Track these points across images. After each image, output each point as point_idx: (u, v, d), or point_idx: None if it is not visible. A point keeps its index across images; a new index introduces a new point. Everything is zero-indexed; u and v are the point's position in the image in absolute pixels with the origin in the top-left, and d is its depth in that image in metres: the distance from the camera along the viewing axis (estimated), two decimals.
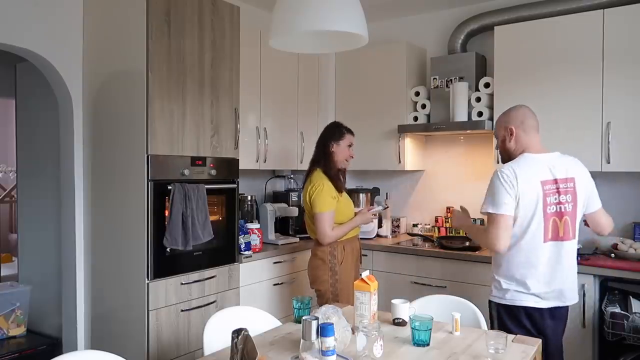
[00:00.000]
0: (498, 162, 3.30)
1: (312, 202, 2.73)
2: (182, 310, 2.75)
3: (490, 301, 2.25)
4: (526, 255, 2.12)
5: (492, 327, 2.23)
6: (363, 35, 1.85)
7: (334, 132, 2.88)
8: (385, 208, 3.14)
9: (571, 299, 2.19)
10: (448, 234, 3.79)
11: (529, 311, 2.14)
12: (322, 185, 2.73)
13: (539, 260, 2.12)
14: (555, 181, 2.12)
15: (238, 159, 3.10)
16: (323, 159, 2.84)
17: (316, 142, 2.94)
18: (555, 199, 2.11)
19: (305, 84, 3.93)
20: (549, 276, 2.13)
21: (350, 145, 2.91)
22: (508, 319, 2.18)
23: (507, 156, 2.29)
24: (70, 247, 2.97)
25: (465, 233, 2.72)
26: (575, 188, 2.14)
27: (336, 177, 2.82)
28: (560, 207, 2.12)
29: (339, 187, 2.81)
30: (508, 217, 2.08)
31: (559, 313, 2.19)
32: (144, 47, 2.58)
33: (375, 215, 3.01)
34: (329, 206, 2.71)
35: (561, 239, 2.12)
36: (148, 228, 2.60)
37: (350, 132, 2.92)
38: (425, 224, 3.97)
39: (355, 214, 2.90)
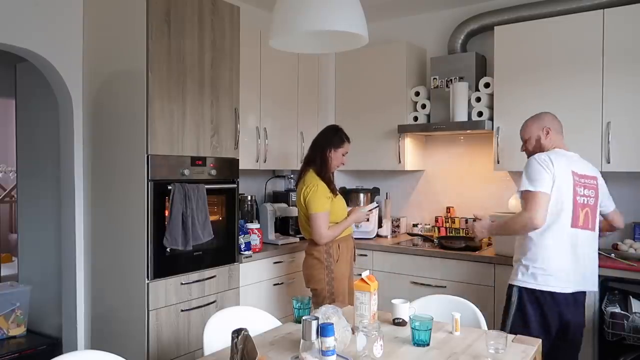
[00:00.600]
0: (498, 162, 3.32)
1: (307, 203, 2.73)
2: (182, 310, 2.75)
3: (511, 285, 2.35)
4: (555, 239, 2.25)
5: (506, 313, 2.33)
6: (363, 35, 1.85)
7: (334, 138, 2.88)
8: (376, 207, 3.14)
9: (592, 285, 2.35)
10: (448, 234, 3.79)
11: (554, 296, 2.25)
12: (316, 186, 2.73)
13: (566, 245, 2.26)
14: (582, 176, 2.33)
15: (238, 159, 3.10)
16: (319, 161, 2.83)
17: (312, 141, 2.93)
18: (582, 191, 2.30)
19: (305, 84, 3.93)
20: (574, 261, 2.27)
21: (345, 154, 2.92)
22: (529, 302, 2.28)
23: (536, 151, 2.47)
24: (70, 247, 2.97)
25: (495, 235, 2.84)
26: (597, 186, 2.38)
27: (329, 180, 2.83)
28: (585, 200, 2.31)
29: (332, 189, 2.81)
30: (545, 194, 2.22)
31: (580, 299, 2.34)
32: (144, 47, 2.58)
33: (369, 213, 3.02)
34: (325, 207, 2.72)
35: (585, 228, 2.30)
36: (148, 228, 2.60)
37: (348, 140, 2.94)
38: (425, 224, 3.97)
39: (349, 213, 2.90)
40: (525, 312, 2.27)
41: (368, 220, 3.29)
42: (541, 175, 2.22)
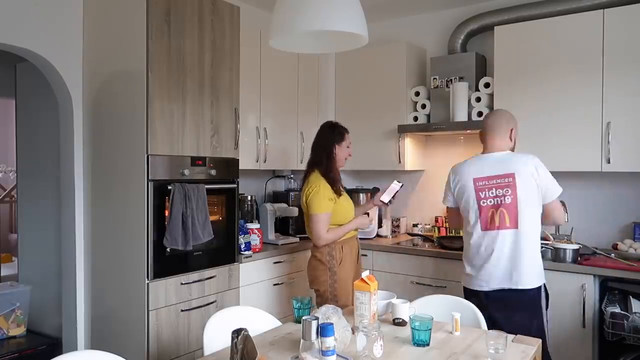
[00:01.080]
0: None
1: (308, 203, 2.73)
2: (182, 310, 2.75)
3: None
4: (470, 242, 2.44)
5: None
6: (363, 35, 1.85)
7: (334, 134, 2.86)
8: (401, 186, 3.06)
9: (522, 283, 2.34)
10: (448, 234, 3.79)
11: (478, 294, 2.41)
12: (318, 187, 2.72)
13: (479, 247, 2.40)
14: (489, 177, 2.40)
15: (238, 159, 3.10)
16: (325, 161, 2.81)
17: (313, 143, 2.90)
18: (488, 193, 2.39)
19: (305, 84, 3.93)
20: (486, 261, 2.38)
21: (349, 145, 2.91)
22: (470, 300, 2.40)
23: None
24: (70, 247, 2.97)
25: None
26: (514, 183, 2.34)
27: (337, 179, 2.81)
28: (495, 200, 2.38)
29: (338, 189, 2.80)
30: (450, 209, 2.63)
31: (512, 300, 2.33)
32: (144, 47, 2.58)
33: (371, 221, 3.02)
34: (325, 208, 2.71)
35: (502, 228, 2.35)
36: (148, 228, 2.60)
37: (347, 131, 2.93)
38: (425, 224, 3.97)
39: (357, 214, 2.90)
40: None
41: (372, 224, 3.29)
42: (445, 191, 2.62)
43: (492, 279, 2.37)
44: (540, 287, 2.37)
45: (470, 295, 2.43)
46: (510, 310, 2.33)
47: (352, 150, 3.00)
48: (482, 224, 2.39)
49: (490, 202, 2.38)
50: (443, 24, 3.90)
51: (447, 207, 2.65)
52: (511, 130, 2.46)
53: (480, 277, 2.40)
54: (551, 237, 3.00)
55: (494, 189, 2.38)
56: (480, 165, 2.44)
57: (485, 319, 2.22)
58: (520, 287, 2.34)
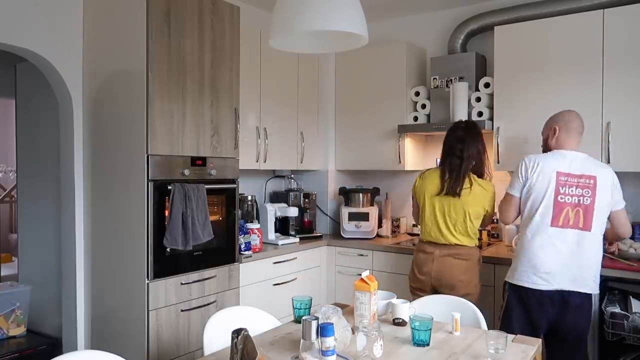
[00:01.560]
0: (498, 162, 3.32)
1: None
2: (182, 310, 2.75)
3: (504, 282, 2.47)
4: (534, 237, 2.33)
5: (501, 308, 2.41)
6: (363, 35, 1.85)
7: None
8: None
9: (584, 286, 2.31)
10: None
11: (535, 293, 2.31)
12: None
13: (546, 243, 2.30)
14: (573, 175, 2.32)
15: (238, 159, 3.10)
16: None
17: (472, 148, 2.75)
18: (568, 190, 2.31)
19: (305, 84, 3.93)
20: (556, 260, 2.29)
21: None
22: (514, 299, 2.36)
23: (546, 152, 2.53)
24: (70, 247, 2.97)
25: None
26: (595, 185, 2.32)
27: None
28: (574, 199, 2.30)
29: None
30: (512, 197, 2.45)
31: (572, 300, 2.30)
32: (144, 47, 2.58)
33: None
34: None
35: (575, 227, 2.29)
36: (148, 228, 2.60)
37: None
38: None
39: None
40: (510, 307, 2.36)
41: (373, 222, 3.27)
42: (513, 179, 2.46)
43: (555, 279, 2.29)
44: (596, 293, 2.38)
45: (518, 291, 2.35)
46: (569, 315, 2.31)
47: (352, 150, 3.01)
48: (554, 219, 2.30)
49: (569, 199, 2.30)
50: (443, 24, 3.90)
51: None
52: (581, 133, 2.47)
53: (540, 275, 2.30)
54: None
55: (574, 187, 2.31)
56: (564, 161, 2.36)
57: (524, 317, 2.27)
58: (585, 290, 2.31)
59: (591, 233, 2.30)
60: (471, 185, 2.68)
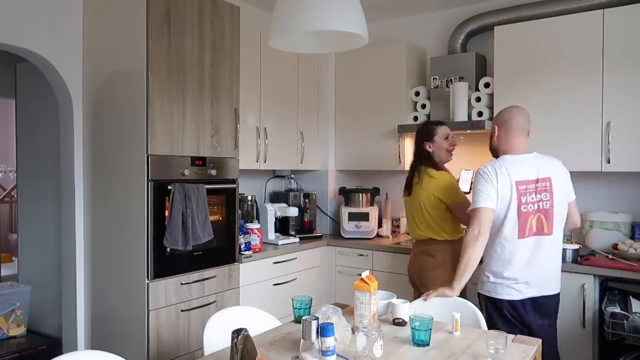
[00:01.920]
0: None
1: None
2: (182, 310, 2.75)
3: (478, 294, 2.41)
4: (502, 250, 2.27)
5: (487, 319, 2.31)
6: (363, 35, 1.85)
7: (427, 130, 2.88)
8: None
9: (553, 288, 2.32)
10: None
11: (512, 303, 2.27)
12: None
13: (515, 255, 2.25)
14: (531, 181, 2.25)
15: (238, 159, 3.10)
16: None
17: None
18: (532, 197, 2.24)
19: (305, 84, 3.93)
20: (525, 269, 2.25)
21: (446, 137, 2.87)
22: (493, 311, 2.32)
23: (493, 154, 2.45)
24: (70, 247, 2.97)
25: (462, 282, 2.40)
26: (551, 187, 2.26)
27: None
28: (536, 206, 2.24)
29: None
30: (491, 210, 2.24)
31: (543, 303, 2.30)
32: (144, 47, 2.58)
33: None
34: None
35: (539, 234, 2.25)
36: (148, 228, 2.60)
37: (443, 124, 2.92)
38: None
39: None
40: (492, 320, 2.29)
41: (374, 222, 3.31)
42: (486, 191, 2.24)
43: (529, 288, 2.26)
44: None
45: (494, 303, 2.30)
46: (541, 317, 2.30)
47: (352, 150, 3.01)
48: (520, 231, 2.23)
49: (531, 207, 2.23)
50: (443, 24, 3.90)
51: (481, 209, 2.25)
52: (526, 130, 2.39)
53: (513, 286, 2.26)
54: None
55: (534, 193, 2.24)
56: (519, 167, 2.26)
57: (508, 326, 2.21)
58: (552, 292, 2.32)
59: (553, 236, 2.27)
60: (421, 179, 2.77)
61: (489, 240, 2.27)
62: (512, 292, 2.27)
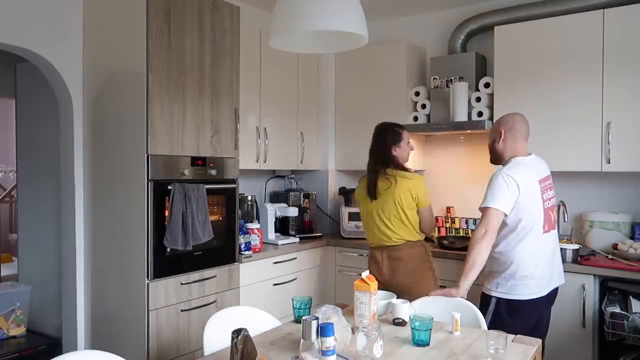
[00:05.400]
0: None
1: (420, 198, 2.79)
2: (182, 310, 2.75)
3: (486, 294, 2.37)
4: (533, 249, 2.30)
5: (487, 320, 2.28)
6: (363, 35, 1.85)
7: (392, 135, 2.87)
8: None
9: (560, 279, 2.45)
10: (448, 234, 3.79)
11: (533, 302, 2.30)
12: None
13: (543, 252, 2.33)
14: (543, 179, 2.38)
15: (238, 159, 3.10)
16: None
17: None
18: (547, 194, 2.37)
19: (305, 84, 3.93)
20: (550, 264, 2.36)
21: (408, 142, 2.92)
22: (507, 312, 2.30)
23: (495, 156, 2.51)
24: (70, 247, 2.97)
25: (470, 280, 2.40)
26: (552, 184, 2.46)
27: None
28: (550, 202, 2.38)
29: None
30: (500, 213, 2.26)
31: (553, 294, 2.42)
32: (144, 47, 2.58)
33: None
34: None
35: (552, 229, 2.40)
36: (148, 228, 2.60)
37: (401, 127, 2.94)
38: None
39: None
40: (500, 321, 2.25)
41: None
42: (501, 194, 2.26)
43: (551, 281, 2.36)
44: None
45: (510, 304, 2.28)
46: (550, 307, 2.46)
47: (352, 150, 3.00)
48: (545, 226, 2.32)
49: (547, 204, 2.35)
50: (443, 24, 3.90)
51: (490, 209, 2.27)
52: (526, 137, 2.48)
53: (539, 283, 2.30)
54: None
55: (548, 190, 2.38)
56: (534, 168, 2.38)
57: (518, 326, 2.19)
58: (561, 283, 2.45)
59: (556, 230, 2.45)
60: (392, 181, 2.74)
61: (512, 241, 2.30)
62: (536, 289, 2.30)
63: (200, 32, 2.84)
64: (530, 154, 2.43)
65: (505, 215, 2.27)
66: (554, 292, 2.42)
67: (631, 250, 2.90)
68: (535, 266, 2.30)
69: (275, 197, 4.01)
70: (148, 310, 2.59)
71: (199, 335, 2.72)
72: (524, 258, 2.29)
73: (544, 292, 2.32)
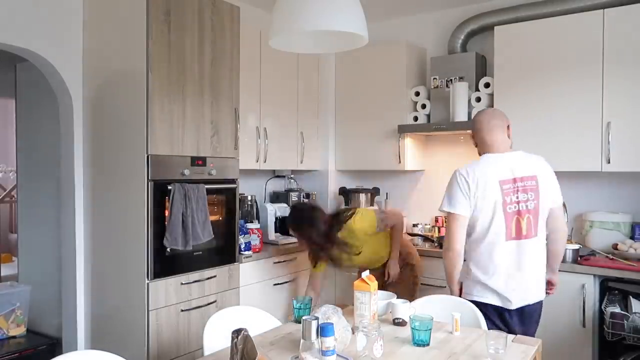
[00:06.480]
0: None
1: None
2: (182, 310, 2.75)
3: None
4: (489, 254, 2.18)
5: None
6: (363, 35, 1.85)
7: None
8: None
9: (538, 296, 2.24)
10: None
11: (497, 309, 2.19)
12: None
13: (501, 259, 2.17)
14: (515, 180, 2.17)
15: (238, 159, 3.10)
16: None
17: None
18: (516, 197, 2.16)
19: (305, 84, 3.93)
20: (516, 276, 2.17)
21: None
22: (484, 315, 2.21)
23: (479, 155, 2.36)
24: (70, 247, 2.97)
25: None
26: (537, 186, 2.18)
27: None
28: (521, 206, 2.16)
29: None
30: (462, 217, 2.19)
31: (529, 311, 2.22)
32: (144, 47, 2.58)
33: None
34: None
35: (528, 237, 2.17)
36: (148, 228, 2.60)
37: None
38: (425, 224, 3.97)
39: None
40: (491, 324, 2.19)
41: None
42: (455, 196, 2.20)
43: (518, 296, 2.17)
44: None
45: (483, 307, 2.19)
46: (527, 325, 2.22)
47: (352, 150, 3.03)
48: (507, 232, 2.14)
49: (514, 207, 2.14)
50: (443, 24, 3.90)
51: (451, 215, 2.22)
52: (508, 126, 2.28)
53: (502, 294, 2.16)
54: None
55: (518, 192, 2.15)
56: (501, 166, 2.18)
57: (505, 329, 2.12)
58: (539, 300, 2.25)
59: (538, 238, 2.20)
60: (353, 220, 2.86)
61: (474, 244, 2.22)
62: (497, 299, 2.18)
63: (200, 32, 2.84)
64: (517, 151, 2.26)
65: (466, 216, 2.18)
66: (529, 309, 2.20)
67: (631, 250, 2.90)
68: (491, 275, 2.17)
69: (275, 197, 4.01)
70: (148, 310, 2.59)
71: (199, 335, 2.73)
72: (481, 263, 2.20)
73: (509, 305, 2.16)
